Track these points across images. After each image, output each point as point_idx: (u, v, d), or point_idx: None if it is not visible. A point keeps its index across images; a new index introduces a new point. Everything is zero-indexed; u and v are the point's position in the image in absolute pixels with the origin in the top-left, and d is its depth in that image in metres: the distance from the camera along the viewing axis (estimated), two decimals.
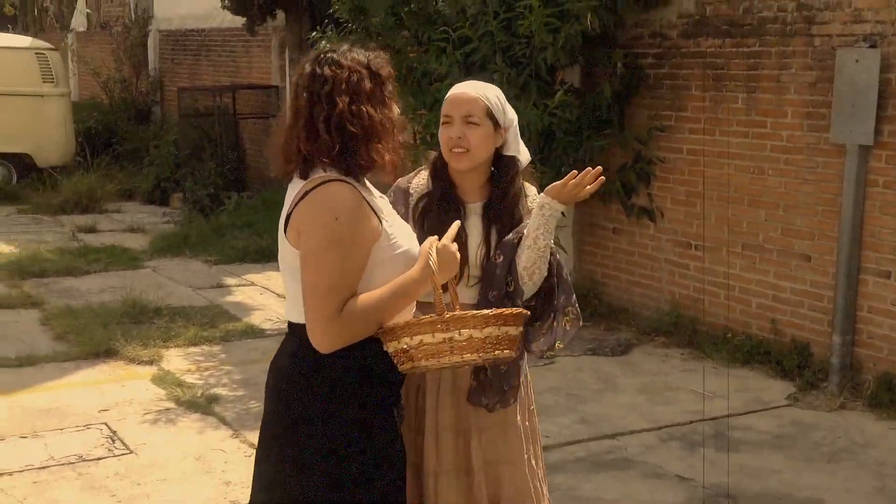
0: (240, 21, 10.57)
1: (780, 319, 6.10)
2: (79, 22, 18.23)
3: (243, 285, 7.83)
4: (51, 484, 4.11)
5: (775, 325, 6.10)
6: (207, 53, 13.85)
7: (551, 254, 2.72)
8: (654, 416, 5.19)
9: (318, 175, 2.25)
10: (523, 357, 2.82)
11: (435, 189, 2.78)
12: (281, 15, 10.23)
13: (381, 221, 2.27)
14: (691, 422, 5.13)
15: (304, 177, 2.28)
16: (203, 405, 5.04)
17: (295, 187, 2.30)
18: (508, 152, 2.79)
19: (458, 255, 2.35)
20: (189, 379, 5.45)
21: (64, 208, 10.71)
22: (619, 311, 7.20)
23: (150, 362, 5.70)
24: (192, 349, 6.00)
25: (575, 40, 6.34)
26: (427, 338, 2.18)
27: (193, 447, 4.53)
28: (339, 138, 2.23)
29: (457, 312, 2.23)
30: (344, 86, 2.25)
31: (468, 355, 2.20)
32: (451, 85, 2.89)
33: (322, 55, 2.30)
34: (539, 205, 2.67)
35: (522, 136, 7.45)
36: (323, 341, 2.18)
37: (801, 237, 5.97)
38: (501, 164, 2.79)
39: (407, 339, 2.20)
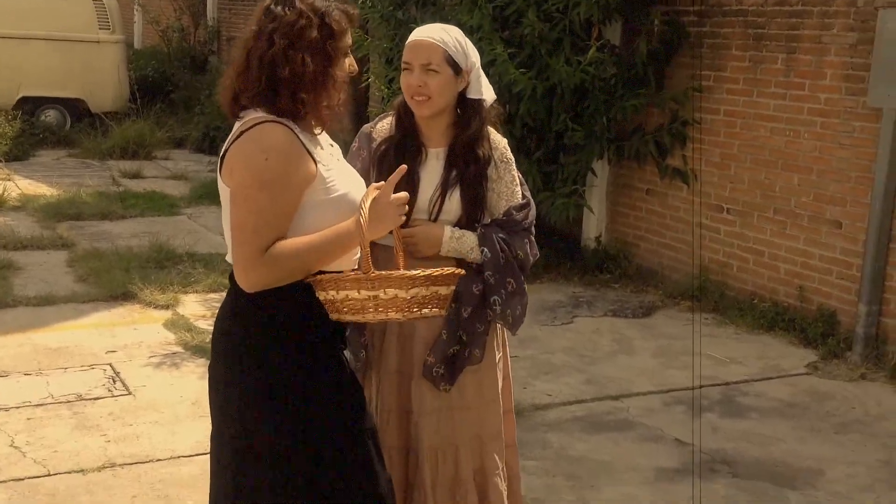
0: None
1: (807, 286, 5.91)
2: None
3: None
4: (44, 421, 4.18)
5: (802, 293, 5.92)
6: None
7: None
8: (664, 379, 5.09)
9: (254, 116, 2.22)
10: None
11: (396, 134, 2.74)
12: None
13: (316, 165, 2.22)
14: (701, 386, 5.01)
15: (236, 115, 2.25)
16: (210, 351, 5.07)
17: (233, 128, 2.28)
18: (472, 95, 2.72)
19: (399, 205, 2.26)
20: (201, 324, 5.49)
21: (112, 153, 10.86)
22: (648, 274, 7.06)
23: (167, 307, 5.76)
24: (211, 295, 6.04)
25: None
26: (353, 293, 2.16)
27: (192, 391, 4.57)
28: (265, 78, 2.19)
29: (383, 272, 2.17)
30: (287, 28, 2.20)
31: (392, 313, 2.17)
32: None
33: None
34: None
35: (555, 93, 7.35)
36: (246, 281, 2.16)
37: (834, 203, 5.76)
38: (466, 107, 2.73)
39: (333, 292, 2.18)
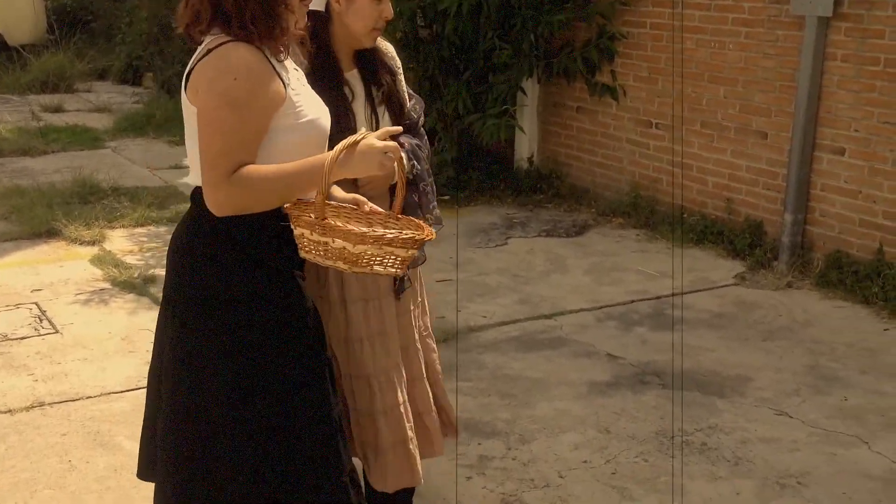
0: None
1: (734, 198, 5.99)
2: None
3: None
4: None
5: (730, 205, 6.00)
6: None
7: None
8: (597, 296, 5.14)
9: (219, 36, 2.13)
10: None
11: (314, 64, 2.62)
12: None
13: (285, 88, 2.15)
14: (632, 301, 5.09)
15: (195, 41, 2.17)
16: (139, 286, 4.99)
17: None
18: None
19: (386, 154, 2.16)
20: (129, 259, 5.39)
21: (32, 87, 10.51)
22: (581, 193, 7.09)
23: (93, 243, 5.63)
24: (138, 230, 5.93)
25: None
26: (307, 233, 2.12)
27: (121, 327, 4.50)
28: (212, 9, 2.12)
29: (331, 223, 2.09)
30: None
31: (340, 263, 2.11)
32: None
33: None
34: None
35: (480, 11, 7.23)
36: (214, 202, 2.09)
37: (759, 114, 5.80)
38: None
39: (295, 227, 2.14)
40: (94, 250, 5.54)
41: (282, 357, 2.22)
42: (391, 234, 2.11)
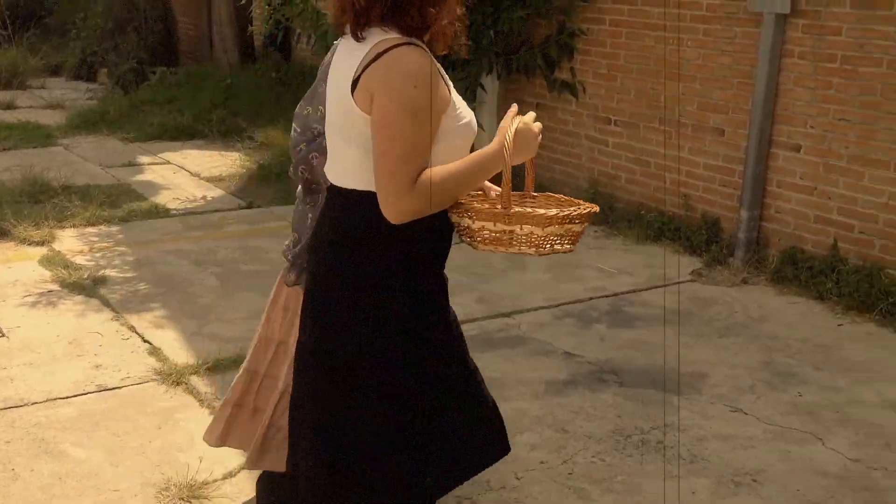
0: None
1: (692, 195, 6.00)
2: None
3: (157, 164, 7.60)
4: None
5: (687, 201, 6.01)
6: None
7: None
8: (556, 293, 5.12)
9: (388, 37, 2.10)
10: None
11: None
12: None
13: (448, 90, 2.17)
14: (591, 298, 5.07)
15: (358, 32, 2.13)
16: (88, 287, 4.89)
17: (351, 46, 2.16)
18: None
19: (538, 134, 2.23)
20: (79, 260, 5.28)
21: None
22: (540, 189, 7.06)
23: (42, 243, 5.51)
24: (89, 229, 5.81)
25: None
26: (489, 225, 2.16)
27: (69, 330, 4.40)
28: None
29: (520, 210, 2.16)
30: None
31: (525, 247, 2.18)
32: None
33: None
34: None
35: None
36: (397, 211, 2.09)
37: (717, 111, 5.82)
38: None
39: (469, 221, 2.19)
40: (44, 251, 5.43)
41: (426, 360, 2.28)
42: (567, 211, 2.19)
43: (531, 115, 2.24)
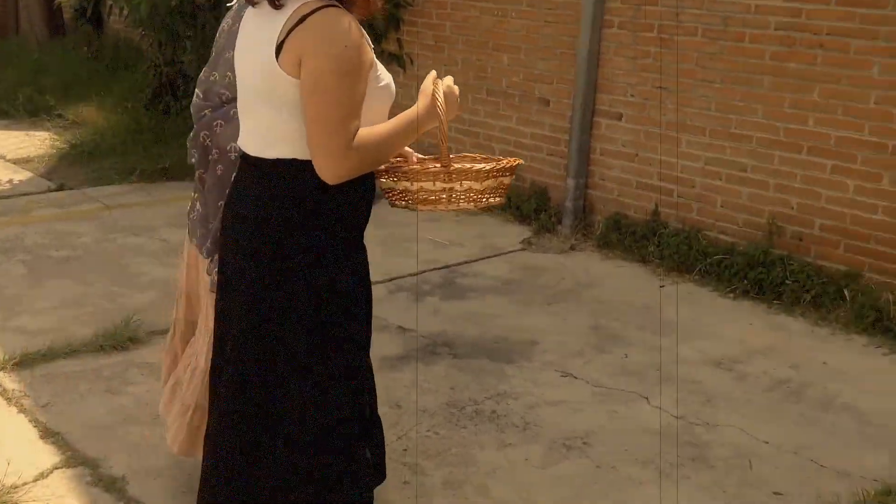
0: None
1: (521, 165, 6.05)
2: None
3: None
4: None
5: (517, 171, 6.06)
6: None
7: None
8: (389, 267, 5.07)
9: (308, 1, 2.07)
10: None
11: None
12: None
13: (371, 52, 2.16)
14: (424, 271, 5.05)
15: (275, 3, 2.08)
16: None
17: (265, 11, 2.12)
18: None
19: (458, 96, 2.29)
20: None
21: None
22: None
23: None
24: None
25: None
26: (427, 185, 2.20)
27: None
28: None
29: (459, 166, 2.23)
30: None
31: (464, 203, 2.24)
32: None
33: None
34: None
35: None
36: (335, 172, 2.09)
37: (542, 81, 5.89)
38: None
39: (407, 183, 2.21)
40: None
41: (353, 319, 2.30)
42: (501, 164, 2.28)
43: (449, 78, 2.31)
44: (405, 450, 3.30)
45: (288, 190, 2.17)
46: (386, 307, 4.54)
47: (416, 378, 3.80)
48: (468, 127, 6.36)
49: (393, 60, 6.70)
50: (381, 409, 3.55)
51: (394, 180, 2.23)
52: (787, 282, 4.62)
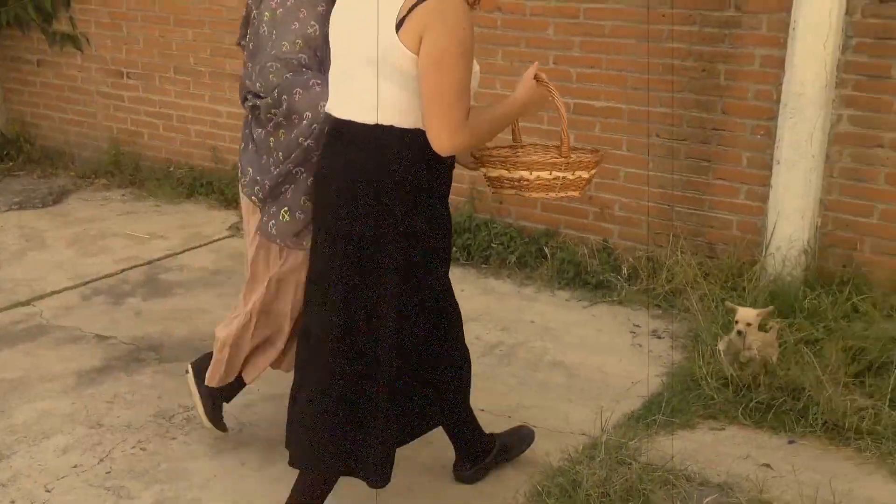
0: None
1: (220, 146, 5.79)
2: None
3: None
4: None
5: (216, 153, 5.79)
6: None
7: None
8: (82, 270, 4.67)
9: None
10: None
11: None
12: None
13: None
14: (122, 270, 4.69)
15: None
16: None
17: None
18: None
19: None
20: None
21: None
22: (56, 155, 6.44)
23: None
24: None
25: None
26: (544, 175, 2.34)
27: None
28: None
29: (576, 158, 2.37)
30: None
31: (572, 191, 2.37)
32: None
33: None
34: None
35: None
36: (450, 144, 2.23)
37: (232, 56, 5.62)
38: None
39: (525, 173, 2.36)
40: None
41: (443, 277, 2.54)
42: (598, 153, 2.45)
43: (536, 64, 2.44)
44: (108, 472, 3.02)
45: (399, 155, 2.29)
46: (81, 315, 4.17)
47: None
48: (160, 109, 5.98)
49: (67, 42, 6.18)
50: (78, 431, 3.25)
51: (510, 169, 2.37)
52: (493, 245, 4.72)
